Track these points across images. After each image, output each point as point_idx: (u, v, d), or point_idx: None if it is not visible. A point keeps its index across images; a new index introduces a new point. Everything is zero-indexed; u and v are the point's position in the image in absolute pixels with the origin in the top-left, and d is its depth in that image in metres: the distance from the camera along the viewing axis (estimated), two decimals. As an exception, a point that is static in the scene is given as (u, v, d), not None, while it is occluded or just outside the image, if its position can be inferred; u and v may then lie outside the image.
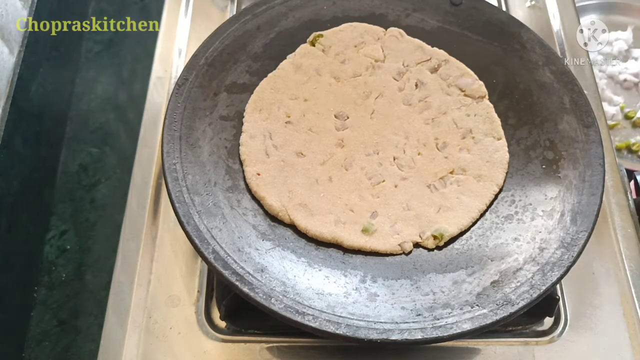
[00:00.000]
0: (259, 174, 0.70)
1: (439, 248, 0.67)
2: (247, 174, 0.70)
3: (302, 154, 0.72)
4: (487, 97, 0.77)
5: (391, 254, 0.66)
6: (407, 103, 0.77)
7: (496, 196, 0.70)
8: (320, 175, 0.71)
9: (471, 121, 0.75)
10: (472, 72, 0.79)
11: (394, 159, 0.72)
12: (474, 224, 0.68)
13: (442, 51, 0.81)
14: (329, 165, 0.72)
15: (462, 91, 0.77)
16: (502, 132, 0.74)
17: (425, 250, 0.67)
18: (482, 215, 0.69)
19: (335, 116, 0.75)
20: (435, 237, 0.66)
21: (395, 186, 0.70)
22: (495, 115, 0.75)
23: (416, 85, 0.78)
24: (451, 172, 0.72)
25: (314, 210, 0.68)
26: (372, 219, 0.68)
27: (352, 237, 0.66)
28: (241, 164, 0.71)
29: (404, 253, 0.66)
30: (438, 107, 0.76)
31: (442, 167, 0.72)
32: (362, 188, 0.70)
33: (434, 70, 0.79)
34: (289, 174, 0.70)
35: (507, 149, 0.73)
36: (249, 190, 0.69)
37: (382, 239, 0.66)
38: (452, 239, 0.67)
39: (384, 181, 0.71)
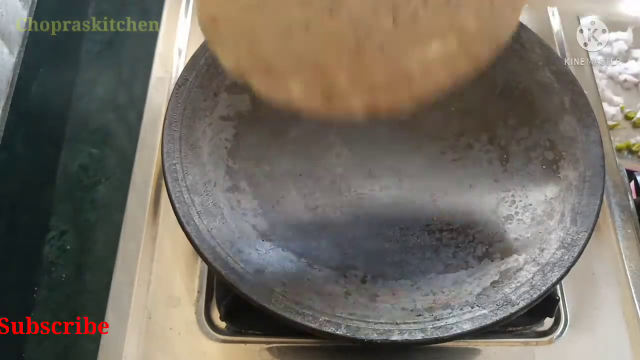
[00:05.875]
0: (214, 19, 0.49)
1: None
2: (199, 17, 0.50)
3: None
4: None
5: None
6: None
7: (497, 196, 0.70)
8: (296, 20, 0.48)
9: None
10: None
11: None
12: (474, 224, 0.68)
13: None
14: (308, 6, 0.49)
15: None
16: None
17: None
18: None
19: None
20: None
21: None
22: None
23: None
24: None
25: (278, 69, 0.50)
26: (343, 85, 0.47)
27: (312, 105, 0.49)
28: (241, 164, 0.71)
29: None
30: None
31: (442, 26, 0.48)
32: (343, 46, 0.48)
33: None
34: (256, 17, 0.48)
35: None
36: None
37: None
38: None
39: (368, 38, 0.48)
